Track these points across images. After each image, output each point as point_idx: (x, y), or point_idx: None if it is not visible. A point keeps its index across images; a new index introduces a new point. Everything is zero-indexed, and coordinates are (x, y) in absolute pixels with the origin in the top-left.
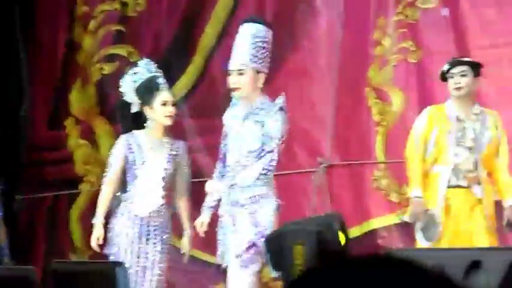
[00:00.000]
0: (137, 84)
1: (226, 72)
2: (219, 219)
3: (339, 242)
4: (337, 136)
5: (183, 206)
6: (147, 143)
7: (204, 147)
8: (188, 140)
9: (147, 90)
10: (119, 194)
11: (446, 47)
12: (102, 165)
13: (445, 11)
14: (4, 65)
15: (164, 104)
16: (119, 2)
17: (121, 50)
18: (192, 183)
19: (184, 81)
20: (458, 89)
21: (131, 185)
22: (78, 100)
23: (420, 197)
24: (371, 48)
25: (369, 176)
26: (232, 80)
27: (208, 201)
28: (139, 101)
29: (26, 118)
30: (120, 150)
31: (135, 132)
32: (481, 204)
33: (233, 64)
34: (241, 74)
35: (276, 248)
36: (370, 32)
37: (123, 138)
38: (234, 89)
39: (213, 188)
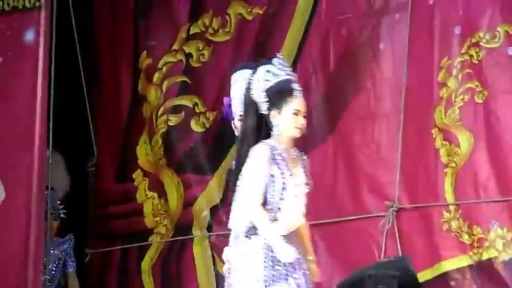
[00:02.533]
0: (270, 84)
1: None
2: None
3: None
4: (404, 179)
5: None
6: (286, 153)
7: None
8: None
9: (278, 94)
10: None
11: None
12: (172, 217)
13: (511, 50)
14: (71, 120)
15: (296, 114)
16: (182, 54)
17: (186, 101)
18: None
19: None
20: None
21: (275, 199)
22: (145, 152)
23: None
24: (436, 90)
25: (439, 218)
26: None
27: None
28: (267, 104)
29: (94, 172)
30: (266, 162)
31: (269, 141)
32: None
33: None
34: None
35: None
36: (435, 73)
37: (266, 148)
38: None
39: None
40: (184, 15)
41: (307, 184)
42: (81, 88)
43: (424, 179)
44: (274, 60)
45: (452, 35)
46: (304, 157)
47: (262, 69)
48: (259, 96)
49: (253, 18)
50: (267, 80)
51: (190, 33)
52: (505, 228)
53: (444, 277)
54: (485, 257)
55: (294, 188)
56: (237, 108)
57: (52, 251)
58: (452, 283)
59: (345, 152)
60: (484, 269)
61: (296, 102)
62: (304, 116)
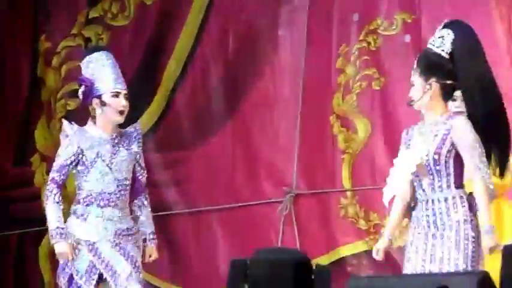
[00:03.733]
0: None
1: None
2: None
3: None
4: (302, 165)
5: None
6: (419, 126)
7: (171, 181)
8: (155, 174)
9: None
10: None
11: (409, 73)
12: (69, 201)
13: (407, 38)
14: None
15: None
16: (81, 38)
17: None
18: (157, 217)
19: (149, 115)
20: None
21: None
22: (43, 136)
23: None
24: (334, 76)
25: (336, 204)
26: (124, 103)
27: None
28: None
29: None
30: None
31: None
32: None
33: (121, 87)
34: (126, 98)
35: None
36: (333, 60)
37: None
38: (122, 112)
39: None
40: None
41: (425, 155)
42: None
43: (321, 165)
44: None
45: (351, 22)
46: (448, 121)
47: None
48: None
49: (153, 2)
50: None
51: (89, 17)
52: None
53: (341, 262)
54: None
55: (404, 162)
56: (107, 85)
57: None
58: (349, 268)
59: (243, 137)
60: None
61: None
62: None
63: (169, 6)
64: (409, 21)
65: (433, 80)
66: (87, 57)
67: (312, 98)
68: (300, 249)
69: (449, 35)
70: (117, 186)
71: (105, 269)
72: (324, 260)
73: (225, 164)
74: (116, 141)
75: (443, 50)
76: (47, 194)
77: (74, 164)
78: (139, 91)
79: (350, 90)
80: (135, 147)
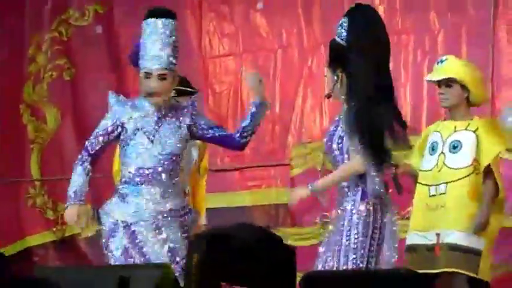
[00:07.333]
0: None
1: None
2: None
3: None
4: None
5: None
6: None
7: None
8: None
9: None
10: None
11: (100, 64)
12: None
13: (99, 29)
14: None
15: None
16: None
17: None
18: None
19: None
20: None
21: None
22: None
23: None
24: (26, 65)
25: (24, 194)
26: (153, 85)
27: None
28: None
29: None
30: None
31: None
32: None
33: (156, 67)
34: (163, 78)
35: None
36: (25, 47)
37: None
38: (150, 94)
39: None
40: None
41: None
42: None
43: (11, 154)
44: None
45: (43, 11)
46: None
47: None
48: None
49: None
50: None
51: None
52: None
53: (27, 252)
54: (68, 233)
55: None
56: (143, 61)
57: None
58: (36, 258)
59: None
60: (67, 245)
61: None
62: None
63: None
64: (101, 12)
65: (339, 71)
66: (145, 21)
67: (3, 86)
68: None
69: (345, 23)
70: (159, 161)
71: (138, 254)
72: (10, 249)
73: None
74: (163, 113)
75: (342, 39)
76: (76, 161)
77: (110, 136)
78: None
79: (41, 79)
80: (187, 120)
